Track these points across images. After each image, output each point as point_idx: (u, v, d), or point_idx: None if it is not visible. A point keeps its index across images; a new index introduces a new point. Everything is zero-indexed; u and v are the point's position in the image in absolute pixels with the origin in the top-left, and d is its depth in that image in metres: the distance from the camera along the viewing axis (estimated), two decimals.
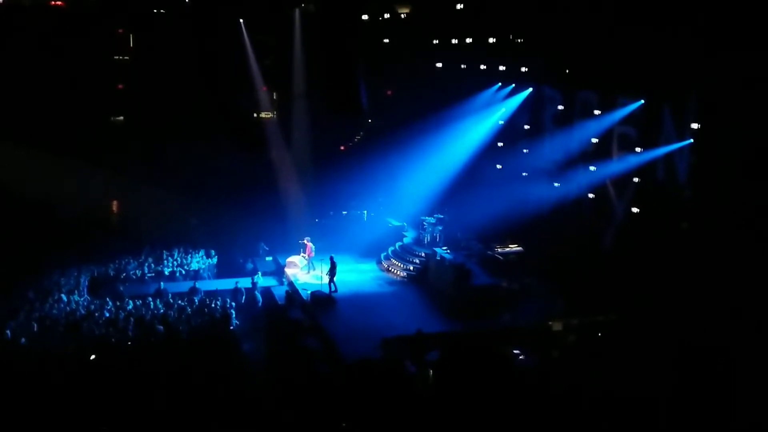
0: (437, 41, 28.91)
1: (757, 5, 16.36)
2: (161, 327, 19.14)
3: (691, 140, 18.95)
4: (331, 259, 23.41)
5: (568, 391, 14.94)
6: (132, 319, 19.83)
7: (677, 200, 19.51)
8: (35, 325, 19.00)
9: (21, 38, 27.48)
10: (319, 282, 23.52)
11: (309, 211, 28.51)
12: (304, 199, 28.38)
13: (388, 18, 29.89)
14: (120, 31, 30.13)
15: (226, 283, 23.64)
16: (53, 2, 28.49)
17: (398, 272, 25.46)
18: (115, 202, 27.19)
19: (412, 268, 25.26)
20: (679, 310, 17.88)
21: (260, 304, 22.72)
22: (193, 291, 22.74)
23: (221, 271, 25.95)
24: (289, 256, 25.62)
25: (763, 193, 16.90)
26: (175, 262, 25.71)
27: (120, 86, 29.79)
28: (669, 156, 19.75)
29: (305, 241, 25.28)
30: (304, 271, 25.06)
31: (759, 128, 16.94)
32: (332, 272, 23.18)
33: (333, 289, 23.11)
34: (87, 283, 23.45)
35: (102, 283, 23.71)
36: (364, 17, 29.02)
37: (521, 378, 16.17)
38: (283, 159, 29.31)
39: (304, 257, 25.23)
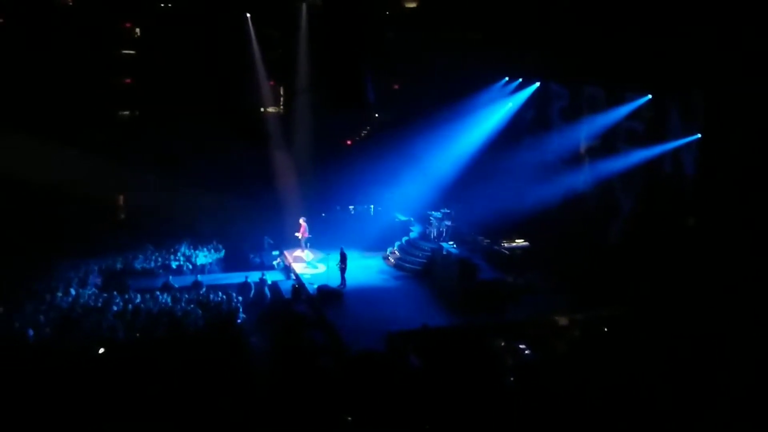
0: (444, 35, 28.81)
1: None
2: (167, 321, 19.23)
3: (699, 135, 18.87)
4: (342, 251, 23.50)
5: (573, 385, 14.96)
6: (140, 312, 19.95)
7: (683, 195, 19.44)
8: (43, 318, 19.12)
9: (28, 32, 27.60)
10: (314, 269, 24.04)
11: (315, 205, 28.55)
12: (311, 194, 28.44)
13: (394, 12, 29.82)
14: (127, 25, 30.19)
15: (234, 278, 23.75)
16: None
17: (404, 266, 25.50)
18: (122, 196, 27.27)
19: (417, 262, 25.29)
20: (685, 305, 17.85)
21: (268, 298, 22.84)
22: (197, 285, 22.84)
23: (228, 266, 26.10)
24: (295, 250, 25.85)
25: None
26: (182, 256, 25.86)
27: (128, 81, 29.84)
28: (675, 150, 19.68)
29: (300, 221, 25.46)
30: (306, 256, 25.57)
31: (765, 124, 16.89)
32: (343, 265, 23.26)
33: (342, 283, 23.17)
34: (94, 277, 23.58)
35: (109, 277, 23.84)
36: (371, 11, 28.97)
37: (526, 372, 16.21)
38: (289, 153, 29.36)
39: (299, 236, 25.53)
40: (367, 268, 25.38)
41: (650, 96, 20.50)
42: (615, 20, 19.80)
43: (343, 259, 23.38)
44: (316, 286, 22.81)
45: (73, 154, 26.55)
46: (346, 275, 23.44)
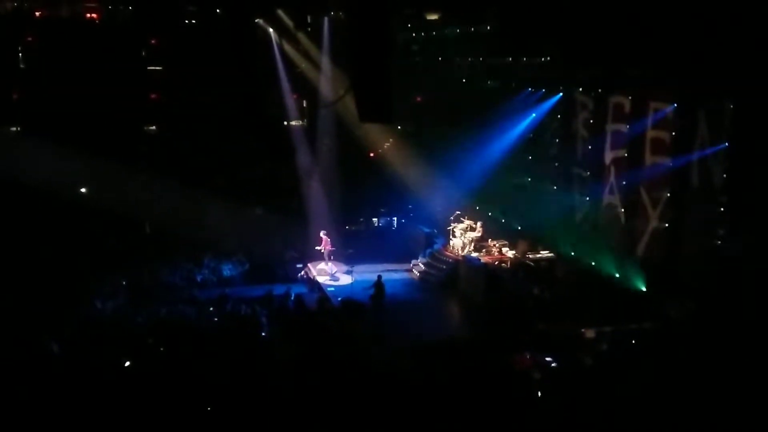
0: (465, 46, 28.83)
1: None
2: (192, 333, 19.31)
3: (726, 144, 18.54)
4: (379, 278, 22.64)
5: (600, 398, 14.75)
6: (165, 325, 20.04)
7: (712, 206, 19.08)
8: (68, 330, 19.28)
9: (58, 49, 28.12)
10: (338, 282, 24.37)
11: (339, 218, 28.60)
12: (334, 206, 28.50)
13: (417, 24, 29.92)
14: (153, 42, 30.61)
15: (258, 290, 23.83)
16: (88, 15, 29.16)
17: (428, 279, 25.41)
18: (147, 208, 27.51)
19: (442, 274, 25.19)
20: (714, 320, 17.54)
21: (292, 311, 22.84)
22: (224, 298, 22.92)
23: (253, 278, 26.15)
24: (319, 263, 25.86)
25: None
26: (207, 269, 26.00)
27: (153, 96, 30.19)
28: (703, 160, 19.34)
29: (321, 235, 25.59)
30: (328, 270, 25.73)
31: None
32: (379, 295, 22.35)
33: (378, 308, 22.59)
34: (120, 289, 23.76)
35: (135, 289, 24.02)
36: (393, 24, 29.07)
37: (553, 385, 16.03)
38: (312, 166, 29.49)
39: (321, 250, 25.57)
40: (391, 281, 25.28)
41: (675, 105, 20.21)
42: (639, 28, 19.59)
43: (380, 288, 22.30)
44: (340, 299, 22.79)
45: (100, 168, 26.87)
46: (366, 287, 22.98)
